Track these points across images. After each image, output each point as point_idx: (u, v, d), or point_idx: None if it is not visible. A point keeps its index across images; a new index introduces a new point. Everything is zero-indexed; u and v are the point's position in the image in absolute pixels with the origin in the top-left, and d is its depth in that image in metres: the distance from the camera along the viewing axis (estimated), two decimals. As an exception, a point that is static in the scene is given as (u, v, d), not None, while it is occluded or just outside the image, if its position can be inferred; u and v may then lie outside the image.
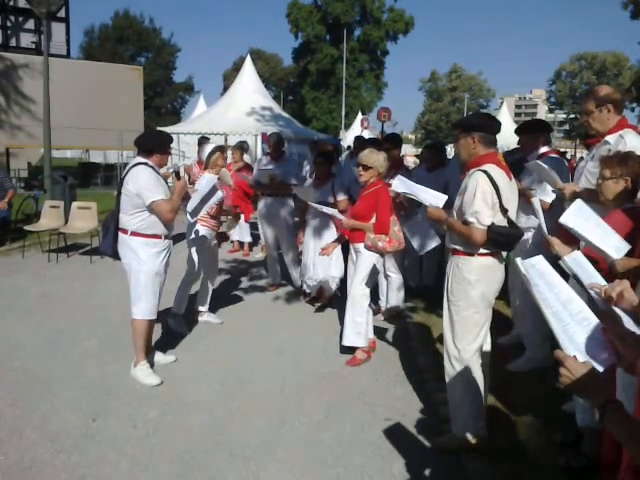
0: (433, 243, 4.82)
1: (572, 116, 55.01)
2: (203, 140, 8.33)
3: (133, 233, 3.74)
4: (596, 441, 2.66)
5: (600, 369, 1.37)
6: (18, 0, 16.85)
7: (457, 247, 2.95)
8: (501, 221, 2.82)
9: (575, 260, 2.00)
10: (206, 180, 4.41)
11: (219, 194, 4.55)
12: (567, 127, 58.12)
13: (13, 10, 17.31)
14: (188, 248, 4.90)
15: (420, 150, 14.78)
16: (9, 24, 17.45)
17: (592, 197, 2.90)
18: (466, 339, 2.93)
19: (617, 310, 1.53)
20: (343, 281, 5.10)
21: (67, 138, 15.35)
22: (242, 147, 8.37)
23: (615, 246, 2.35)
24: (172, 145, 4.21)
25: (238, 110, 17.35)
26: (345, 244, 4.74)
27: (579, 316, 1.48)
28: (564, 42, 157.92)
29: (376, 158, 4.19)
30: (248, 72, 19.20)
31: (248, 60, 19.77)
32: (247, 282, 6.72)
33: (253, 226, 8.52)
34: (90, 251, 7.74)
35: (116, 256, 3.87)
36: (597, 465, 2.54)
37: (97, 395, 3.59)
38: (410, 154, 28.34)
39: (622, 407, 1.27)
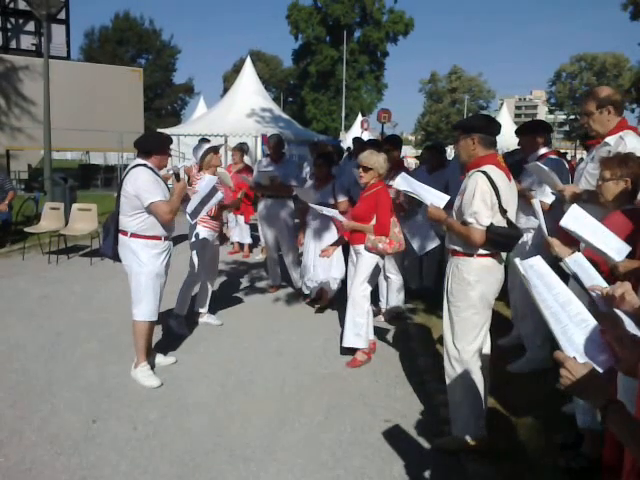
0: (433, 244, 4.83)
1: (572, 117, 55.11)
2: (203, 142, 8.32)
3: (133, 235, 3.74)
4: (596, 442, 2.66)
5: (599, 371, 1.37)
6: (18, 2, 16.90)
7: (457, 248, 2.95)
8: (500, 222, 2.82)
9: (576, 262, 2.00)
10: (206, 181, 4.41)
11: (219, 195, 4.55)
12: (567, 128, 58.18)
13: (13, 12, 17.39)
14: (190, 250, 4.90)
15: (420, 151, 14.77)
16: (9, 26, 17.53)
17: (592, 198, 2.90)
18: (466, 340, 2.94)
19: (618, 312, 1.53)
20: (343, 282, 5.11)
21: (67, 140, 15.39)
22: (242, 149, 8.36)
23: (616, 248, 2.35)
24: (172, 147, 4.22)
25: (238, 112, 17.33)
26: (346, 245, 4.74)
27: (577, 318, 1.48)
28: (564, 43, 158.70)
29: (376, 159, 4.19)
30: (248, 74, 19.19)
31: (248, 62, 19.77)
32: (247, 284, 6.73)
33: (253, 228, 8.53)
34: (90, 253, 7.74)
35: (117, 258, 3.88)
36: (597, 466, 2.53)
37: (97, 397, 3.59)
38: (410, 155, 28.39)
39: (624, 407, 1.26)
